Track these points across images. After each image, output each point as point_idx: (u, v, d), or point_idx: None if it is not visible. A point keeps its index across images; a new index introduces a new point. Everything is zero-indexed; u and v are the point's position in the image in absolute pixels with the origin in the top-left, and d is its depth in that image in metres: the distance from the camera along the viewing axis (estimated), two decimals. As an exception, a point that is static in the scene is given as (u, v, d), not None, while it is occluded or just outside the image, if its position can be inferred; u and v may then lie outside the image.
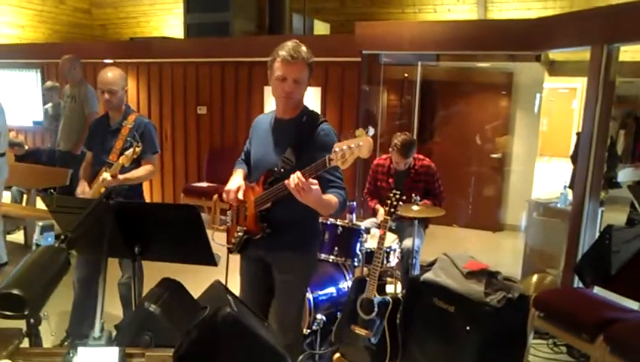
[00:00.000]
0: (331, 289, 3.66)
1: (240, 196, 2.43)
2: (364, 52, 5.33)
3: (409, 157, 4.04)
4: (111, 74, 3.34)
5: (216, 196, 6.03)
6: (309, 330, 3.45)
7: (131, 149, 3.09)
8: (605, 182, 4.81)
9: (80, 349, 1.46)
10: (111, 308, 3.42)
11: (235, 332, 1.96)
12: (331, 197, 2.29)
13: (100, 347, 1.47)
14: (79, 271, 3.27)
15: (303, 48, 2.33)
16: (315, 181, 2.13)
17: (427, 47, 5.06)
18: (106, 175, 3.15)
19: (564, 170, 8.07)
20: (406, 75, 6.58)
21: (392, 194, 3.26)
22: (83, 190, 3.33)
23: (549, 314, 3.44)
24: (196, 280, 2.09)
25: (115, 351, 1.46)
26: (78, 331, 3.27)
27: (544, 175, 7.34)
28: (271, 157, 2.46)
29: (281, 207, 2.33)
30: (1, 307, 1.23)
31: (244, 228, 2.47)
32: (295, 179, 2.10)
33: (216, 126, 6.76)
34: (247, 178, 2.60)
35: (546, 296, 3.59)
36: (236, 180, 2.53)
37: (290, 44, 2.33)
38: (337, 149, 2.02)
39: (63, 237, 1.38)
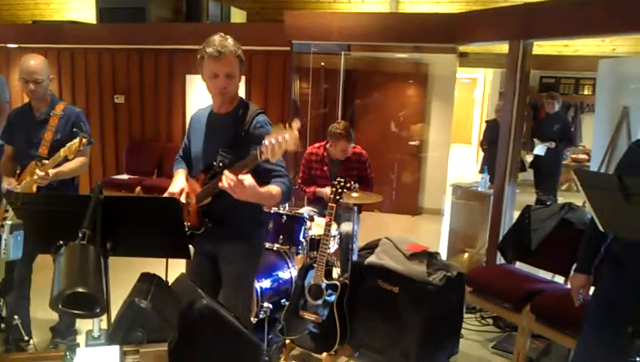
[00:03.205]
0: (276, 278, 3.72)
1: (183, 199, 2.43)
2: (293, 42, 5.38)
3: (352, 142, 4.16)
4: (34, 62, 3.13)
5: (139, 188, 5.85)
6: (256, 319, 3.49)
7: (77, 140, 2.94)
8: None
9: (79, 350, 1.44)
10: (40, 312, 3.27)
11: (214, 324, 1.98)
12: (272, 188, 2.31)
13: (100, 346, 1.45)
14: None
15: (230, 41, 2.33)
16: (246, 176, 2.12)
17: (356, 37, 5.21)
18: (39, 172, 2.97)
19: (468, 156, 8.65)
20: (323, 64, 6.71)
21: (336, 182, 3.37)
22: (11, 186, 3.13)
23: (478, 289, 3.74)
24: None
25: (115, 349, 1.45)
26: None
27: (453, 162, 7.82)
28: (210, 152, 2.47)
29: (222, 201, 2.32)
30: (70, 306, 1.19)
31: (188, 223, 2.46)
32: (226, 178, 2.10)
33: (135, 116, 6.52)
34: (188, 174, 2.60)
35: (474, 272, 3.88)
36: (178, 182, 2.52)
37: (216, 38, 2.31)
38: (267, 142, 2.07)
39: (81, 234, 1.34)
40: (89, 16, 7.08)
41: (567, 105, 9.07)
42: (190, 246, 2.03)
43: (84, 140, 2.95)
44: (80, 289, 1.21)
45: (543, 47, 8.13)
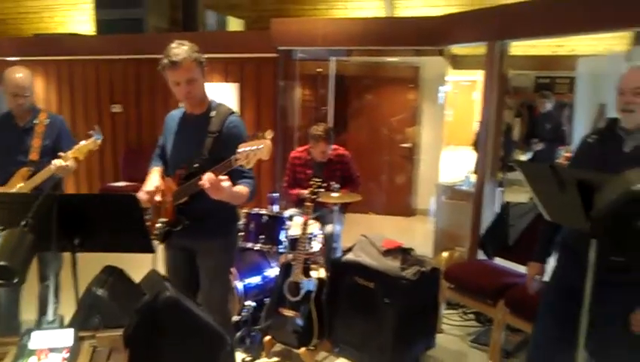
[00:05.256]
0: (258, 277, 3.83)
1: (158, 198, 2.55)
2: (279, 48, 5.51)
3: (332, 143, 4.26)
4: (22, 75, 3.23)
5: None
6: (239, 317, 3.60)
7: (89, 141, 3.06)
8: (504, 165, 5.31)
9: (34, 334, 1.55)
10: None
11: (177, 314, 2.10)
12: (242, 188, 2.47)
13: (54, 329, 1.57)
14: None
15: (184, 47, 2.41)
16: (226, 177, 2.29)
17: (340, 42, 5.33)
18: (57, 161, 3.03)
19: (468, 157, 8.68)
20: (320, 70, 6.84)
21: (312, 182, 3.49)
22: None
23: (458, 285, 3.82)
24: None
25: (70, 332, 1.57)
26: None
27: (451, 163, 7.86)
28: (185, 152, 2.60)
29: (198, 199, 2.45)
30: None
31: (165, 221, 2.58)
32: (208, 180, 2.25)
33: (132, 124, 6.68)
34: (164, 172, 2.72)
35: (454, 268, 3.97)
36: (153, 181, 2.65)
37: (172, 47, 2.40)
38: (242, 150, 2.21)
39: (24, 222, 1.47)
40: (89, 29, 7.28)
41: (562, 104, 9.09)
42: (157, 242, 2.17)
43: (97, 141, 3.07)
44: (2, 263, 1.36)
45: (537, 48, 8.21)
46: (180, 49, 2.40)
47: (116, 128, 6.74)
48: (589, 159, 2.31)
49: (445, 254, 4.21)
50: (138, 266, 2.05)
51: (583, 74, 4.49)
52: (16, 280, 1.41)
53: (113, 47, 6.52)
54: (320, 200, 3.71)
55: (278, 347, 3.52)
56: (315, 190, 3.49)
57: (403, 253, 3.41)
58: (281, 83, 5.71)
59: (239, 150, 2.22)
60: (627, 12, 3.47)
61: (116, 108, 6.69)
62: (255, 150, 2.19)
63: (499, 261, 4.06)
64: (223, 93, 5.67)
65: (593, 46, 7.59)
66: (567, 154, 8.60)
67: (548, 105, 7.05)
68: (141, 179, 2.78)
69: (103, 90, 6.71)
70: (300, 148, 4.50)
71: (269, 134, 2.23)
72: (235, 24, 7.91)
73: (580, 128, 4.47)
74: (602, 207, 1.49)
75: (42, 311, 3.32)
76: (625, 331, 2.21)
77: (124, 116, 6.69)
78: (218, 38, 6.24)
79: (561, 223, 2.27)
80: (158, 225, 2.59)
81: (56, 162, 3.06)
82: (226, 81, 5.81)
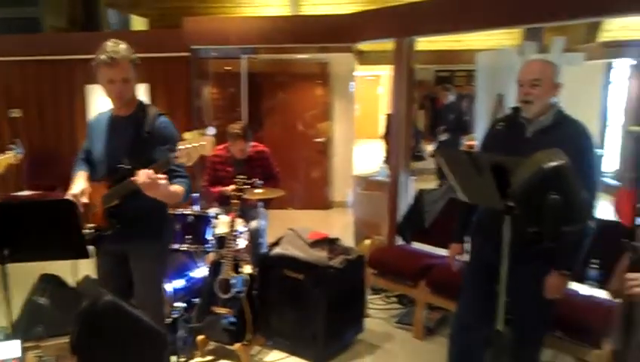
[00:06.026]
0: (186, 278, 3.82)
1: (84, 200, 2.50)
2: (192, 47, 5.46)
3: (250, 140, 4.30)
4: None
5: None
6: (169, 319, 3.57)
7: (11, 153, 2.89)
8: (413, 155, 5.61)
9: (-23, 347, 1.51)
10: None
11: (118, 317, 2.09)
12: (177, 188, 2.48)
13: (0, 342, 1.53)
14: None
15: (122, 46, 2.42)
16: (164, 176, 2.30)
17: (253, 41, 5.38)
18: None
19: (377, 149, 9.06)
20: (230, 68, 6.83)
21: (237, 179, 3.53)
22: None
23: (381, 270, 4.02)
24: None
25: (16, 344, 1.53)
26: None
27: (361, 156, 8.14)
28: (113, 154, 2.55)
29: (129, 201, 2.43)
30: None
31: (94, 225, 2.53)
32: (145, 175, 2.24)
33: (34, 129, 6.31)
34: (91, 176, 2.66)
35: (376, 255, 4.16)
36: (79, 184, 2.57)
37: (108, 44, 2.40)
38: (183, 147, 2.23)
39: None
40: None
41: (463, 96, 9.67)
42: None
43: (19, 156, 2.91)
44: None
45: (437, 43, 8.69)
46: (119, 47, 2.38)
47: (17, 134, 6.33)
48: (498, 144, 2.55)
49: (367, 242, 4.39)
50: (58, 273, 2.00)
51: (481, 67, 4.84)
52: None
53: (7, 48, 6.12)
54: (244, 196, 3.75)
55: (212, 345, 3.54)
56: (241, 187, 3.53)
57: (329, 244, 3.55)
58: (195, 82, 5.66)
59: (180, 147, 2.22)
60: (518, 11, 3.82)
61: (15, 113, 6.28)
62: (197, 147, 2.21)
63: (417, 245, 4.31)
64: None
65: (487, 41, 8.16)
66: (470, 143, 9.19)
67: (451, 97, 7.50)
68: (47, 186, 2.69)
69: (-1, 93, 6.29)
70: (220, 147, 4.49)
71: (210, 130, 2.26)
72: (138, 23, 7.70)
73: (481, 118, 4.82)
74: (518, 185, 1.69)
75: None
76: (537, 299, 2.47)
77: (25, 121, 6.30)
78: (124, 38, 6.01)
79: (479, 204, 2.49)
80: (86, 231, 2.53)
81: None
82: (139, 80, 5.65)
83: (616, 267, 2.79)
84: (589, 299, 3.16)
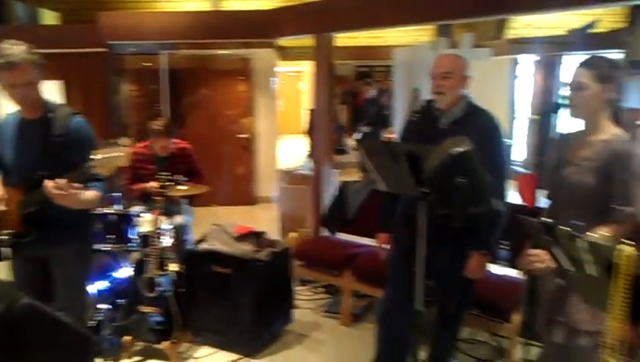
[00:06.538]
0: (110, 279, 3.72)
1: (2, 207, 2.40)
2: (109, 42, 5.29)
3: (172, 137, 4.24)
4: None
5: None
6: (93, 322, 3.47)
7: None
8: (335, 149, 5.74)
9: None
10: None
11: (38, 322, 2.02)
12: (91, 194, 2.40)
13: None
14: None
15: (21, 47, 2.27)
16: (79, 185, 2.22)
17: (173, 36, 5.30)
18: None
19: (300, 144, 9.20)
20: (150, 64, 6.68)
21: (160, 176, 3.49)
22: None
23: (307, 262, 4.10)
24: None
25: None
26: None
27: (286, 151, 8.21)
28: (25, 159, 2.45)
29: (48, 206, 2.33)
30: None
31: (12, 232, 2.44)
32: (53, 186, 2.18)
33: None
34: (5, 181, 2.55)
35: (302, 246, 4.23)
36: None
37: (5, 47, 2.25)
38: (99, 157, 2.18)
39: None
40: None
41: (383, 90, 9.95)
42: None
43: None
44: None
45: (357, 40, 8.90)
46: (17, 49, 2.23)
47: None
48: (414, 135, 2.69)
49: (294, 235, 4.46)
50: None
51: (398, 62, 5.04)
52: None
53: None
54: (168, 194, 3.71)
55: (139, 345, 3.48)
56: (164, 184, 3.49)
57: (255, 237, 3.59)
58: (113, 79, 5.49)
59: (96, 157, 2.17)
60: (431, 8, 4.01)
61: None
62: (114, 157, 2.17)
63: (341, 236, 4.43)
64: (46, 92, 5.26)
65: (404, 37, 8.46)
66: (389, 135, 9.49)
67: (372, 92, 7.72)
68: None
69: None
70: (141, 145, 4.40)
71: (125, 142, 2.21)
72: (49, 17, 7.35)
73: (399, 111, 5.02)
74: (429, 171, 1.81)
75: None
76: (457, 281, 2.63)
77: None
78: (35, 32, 5.79)
79: (398, 192, 2.61)
80: (2, 237, 2.42)
81: None
82: (47, 79, 5.39)
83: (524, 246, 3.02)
84: (501, 277, 3.38)
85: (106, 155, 2.15)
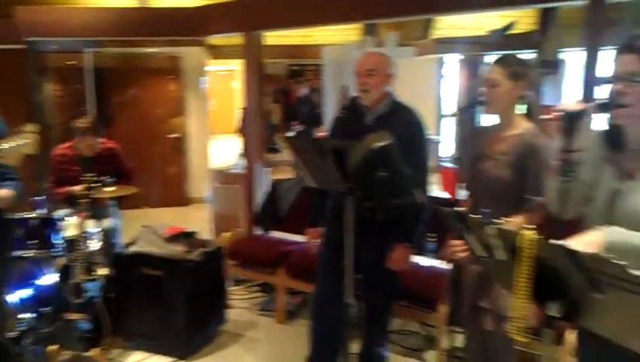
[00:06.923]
0: (33, 286, 3.57)
1: None
2: (28, 39, 5.05)
3: (99, 136, 4.11)
4: None
5: None
6: (16, 333, 3.32)
7: None
8: (267, 148, 5.73)
9: None
10: None
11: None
12: (5, 191, 2.36)
13: None
14: None
15: None
16: None
17: (97, 33, 5.13)
18: None
19: (233, 143, 9.13)
20: (74, 62, 6.43)
21: (85, 178, 3.38)
22: None
23: (241, 261, 4.09)
24: None
25: None
26: None
27: (218, 151, 8.11)
28: None
29: None
30: None
31: None
32: None
33: None
34: None
35: (235, 246, 4.22)
36: None
37: None
38: (6, 146, 2.11)
39: None
40: None
41: (314, 89, 10.02)
42: None
43: None
44: None
45: (288, 38, 8.90)
46: None
47: None
48: (340, 131, 2.75)
49: (227, 234, 4.44)
50: None
51: (327, 61, 5.11)
52: None
53: None
54: (94, 196, 3.59)
55: (67, 354, 3.36)
56: (90, 186, 3.38)
57: (186, 238, 3.54)
58: (34, 77, 5.25)
59: (3, 147, 2.09)
60: (358, 7, 4.09)
61: None
62: (21, 145, 2.09)
63: (275, 234, 4.45)
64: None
65: (334, 37, 8.55)
66: (321, 134, 9.58)
67: (304, 91, 7.75)
68: None
69: None
70: (64, 145, 4.24)
71: (29, 128, 2.14)
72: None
73: (330, 109, 5.09)
74: (353, 166, 1.86)
75: None
76: (382, 273, 2.71)
77: None
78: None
79: (326, 188, 2.66)
80: None
81: None
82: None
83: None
84: (428, 269, 3.50)
85: (12, 144, 2.07)
